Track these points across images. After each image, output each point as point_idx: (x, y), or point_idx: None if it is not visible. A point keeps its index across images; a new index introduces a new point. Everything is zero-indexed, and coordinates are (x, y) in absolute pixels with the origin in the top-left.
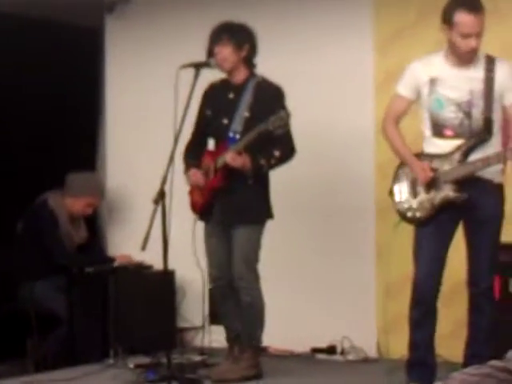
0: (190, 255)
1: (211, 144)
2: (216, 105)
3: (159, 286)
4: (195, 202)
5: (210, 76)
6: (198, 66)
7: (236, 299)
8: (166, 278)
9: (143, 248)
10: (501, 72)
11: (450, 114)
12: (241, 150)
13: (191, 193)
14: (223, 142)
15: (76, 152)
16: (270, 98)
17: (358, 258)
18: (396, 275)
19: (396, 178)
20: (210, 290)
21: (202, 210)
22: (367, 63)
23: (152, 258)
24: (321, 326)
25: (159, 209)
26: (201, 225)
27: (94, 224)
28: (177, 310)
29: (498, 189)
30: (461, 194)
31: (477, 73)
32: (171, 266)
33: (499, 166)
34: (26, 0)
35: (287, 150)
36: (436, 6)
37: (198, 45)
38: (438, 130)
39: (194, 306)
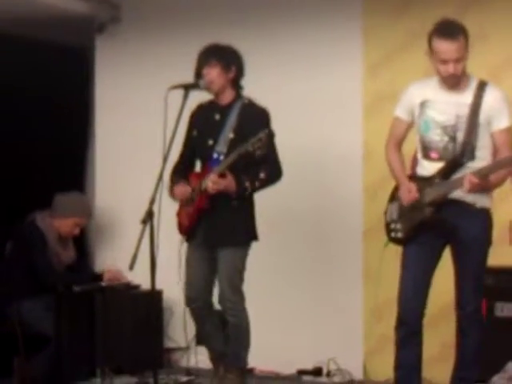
0: (177, 276)
1: (198, 165)
2: (202, 126)
3: (147, 306)
4: (181, 224)
5: (200, 97)
6: (187, 87)
7: (215, 319)
8: (153, 298)
9: (131, 268)
10: (489, 98)
11: (436, 137)
12: (223, 171)
13: (179, 214)
14: (208, 163)
15: (65, 172)
16: (255, 120)
17: (345, 280)
18: (383, 298)
19: (391, 199)
20: None
21: (188, 232)
22: (356, 87)
23: (140, 277)
24: (307, 347)
25: (147, 229)
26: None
27: (82, 244)
28: (164, 330)
29: (482, 213)
30: (437, 215)
31: (466, 98)
32: (159, 285)
33: (482, 190)
34: (17, 20)
35: (273, 172)
36: (424, 30)
37: (188, 66)
38: (426, 152)
39: (180, 326)
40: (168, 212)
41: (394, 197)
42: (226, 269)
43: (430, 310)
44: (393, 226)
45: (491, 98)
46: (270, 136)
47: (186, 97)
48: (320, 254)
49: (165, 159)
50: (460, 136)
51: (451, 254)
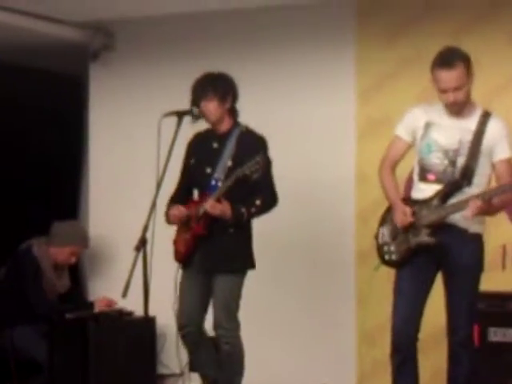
0: (171, 302)
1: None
2: (200, 154)
3: (140, 333)
4: (178, 251)
5: (194, 124)
6: (180, 114)
7: (207, 346)
8: (146, 325)
9: (124, 295)
10: (493, 127)
11: (436, 160)
12: (220, 197)
13: (176, 242)
14: (206, 191)
15: (58, 199)
16: (253, 148)
17: (338, 304)
18: (376, 321)
19: (382, 222)
20: None
21: (185, 259)
22: (349, 113)
23: (133, 304)
24: (300, 372)
25: (140, 256)
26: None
27: (75, 272)
28: (157, 357)
29: (474, 238)
30: (434, 239)
31: (470, 124)
32: (152, 312)
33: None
34: (11, 48)
35: (268, 199)
36: (416, 57)
37: (182, 93)
38: (423, 174)
39: (174, 352)
40: (161, 239)
41: (384, 220)
42: (222, 296)
43: (420, 336)
44: (386, 248)
45: (495, 127)
46: (267, 163)
47: (179, 124)
48: (312, 279)
49: (158, 186)
50: (460, 161)
51: (443, 280)
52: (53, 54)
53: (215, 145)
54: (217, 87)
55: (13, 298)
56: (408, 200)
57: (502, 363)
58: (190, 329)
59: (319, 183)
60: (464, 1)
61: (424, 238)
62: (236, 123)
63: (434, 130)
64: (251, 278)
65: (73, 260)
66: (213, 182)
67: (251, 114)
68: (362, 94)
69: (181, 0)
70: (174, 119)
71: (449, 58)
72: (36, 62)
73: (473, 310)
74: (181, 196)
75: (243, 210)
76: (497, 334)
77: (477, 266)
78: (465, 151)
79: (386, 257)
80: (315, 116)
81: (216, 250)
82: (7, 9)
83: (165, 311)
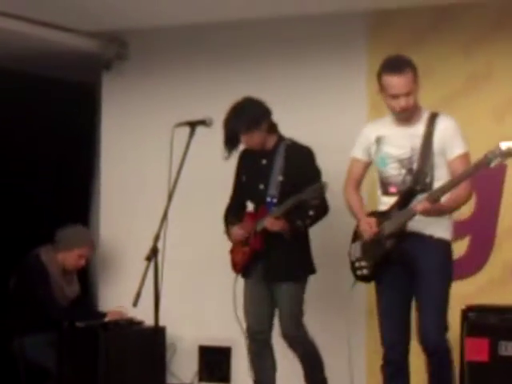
0: (181, 312)
1: (250, 205)
2: (250, 171)
3: (150, 342)
4: (236, 263)
5: (206, 133)
6: (193, 125)
7: (272, 355)
8: (156, 334)
9: (135, 304)
10: (441, 127)
11: (393, 171)
12: (279, 215)
13: (232, 252)
14: (262, 207)
15: (70, 208)
16: (301, 161)
17: (349, 316)
18: None
19: (354, 238)
20: (200, 348)
21: (243, 270)
22: (361, 124)
23: (143, 313)
24: None
25: (151, 265)
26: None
27: (86, 279)
28: (166, 366)
29: (440, 244)
30: (397, 246)
31: (419, 130)
32: (162, 322)
33: (440, 222)
34: (25, 56)
35: (320, 208)
36: (428, 69)
37: (194, 102)
38: (385, 188)
39: (183, 362)
40: (172, 249)
41: (355, 235)
42: (286, 304)
43: (413, 343)
44: (357, 264)
45: (443, 127)
46: (318, 174)
47: (191, 134)
48: (322, 292)
49: (170, 197)
50: (416, 167)
51: (413, 287)
52: (66, 63)
53: (264, 161)
54: (247, 119)
55: (23, 306)
56: (372, 213)
57: None
58: (262, 336)
59: (334, 194)
60: (474, 14)
61: (387, 247)
62: (280, 137)
63: (385, 143)
64: None
65: (82, 263)
66: (268, 199)
67: None
68: (374, 108)
69: (194, 10)
70: (186, 129)
71: (399, 64)
72: (50, 71)
73: (443, 318)
74: (236, 209)
75: (299, 222)
76: (507, 349)
77: (441, 270)
78: (418, 157)
79: (358, 272)
80: (327, 129)
81: (275, 261)
82: (21, 18)
83: (175, 321)
